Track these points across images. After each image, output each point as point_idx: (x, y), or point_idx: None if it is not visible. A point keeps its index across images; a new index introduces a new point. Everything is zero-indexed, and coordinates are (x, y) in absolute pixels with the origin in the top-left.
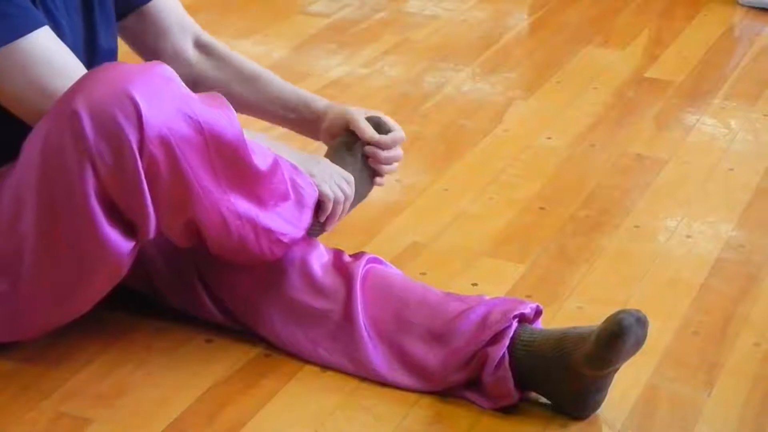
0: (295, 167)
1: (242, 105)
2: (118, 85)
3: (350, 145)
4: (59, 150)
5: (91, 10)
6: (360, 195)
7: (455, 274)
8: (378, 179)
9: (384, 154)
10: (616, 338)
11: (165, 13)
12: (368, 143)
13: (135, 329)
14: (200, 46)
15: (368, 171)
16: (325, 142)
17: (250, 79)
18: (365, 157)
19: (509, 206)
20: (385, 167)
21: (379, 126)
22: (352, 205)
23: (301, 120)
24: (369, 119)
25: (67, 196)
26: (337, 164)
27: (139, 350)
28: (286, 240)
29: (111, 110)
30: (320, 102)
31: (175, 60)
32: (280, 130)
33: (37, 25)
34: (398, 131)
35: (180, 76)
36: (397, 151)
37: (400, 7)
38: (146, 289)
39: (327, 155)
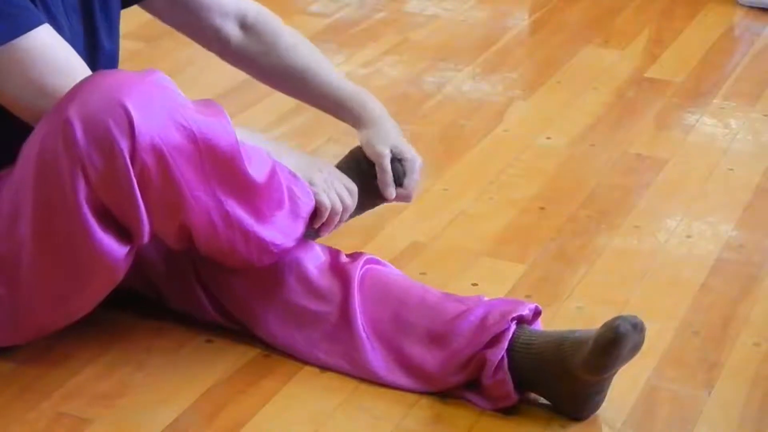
0: (293, 174)
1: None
2: (111, 94)
3: (363, 171)
4: (53, 156)
5: (92, 12)
6: (363, 206)
7: (455, 274)
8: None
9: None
10: (613, 345)
11: None
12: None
13: (135, 330)
14: (246, 27)
15: (376, 190)
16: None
17: (291, 78)
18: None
19: (509, 206)
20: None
21: (400, 170)
22: (354, 215)
23: (337, 117)
24: (392, 162)
25: (61, 201)
26: (344, 173)
27: (139, 351)
28: (276, 250)
29: (103, 119)
30: (356, 111)
31: (213, 38)
32: (281, 130)
33: (36, 24)
34: (412, 184)
35: (221, 55)
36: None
37: (400, 7)
38: (146, 290)
39: (339, 164)
